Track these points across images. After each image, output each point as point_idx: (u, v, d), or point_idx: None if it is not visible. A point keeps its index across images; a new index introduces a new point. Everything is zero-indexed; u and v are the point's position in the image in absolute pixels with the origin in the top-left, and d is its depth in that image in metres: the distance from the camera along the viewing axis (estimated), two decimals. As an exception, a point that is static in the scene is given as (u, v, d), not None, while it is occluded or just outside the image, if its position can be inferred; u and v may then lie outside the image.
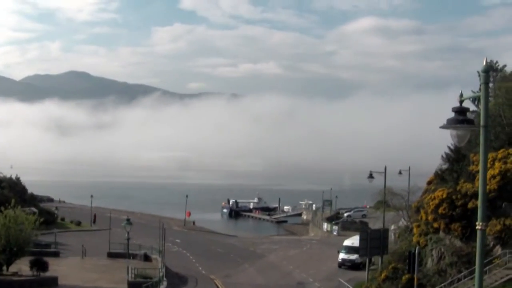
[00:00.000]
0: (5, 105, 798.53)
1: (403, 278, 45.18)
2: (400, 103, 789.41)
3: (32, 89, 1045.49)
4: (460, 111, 12.30)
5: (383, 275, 47.96)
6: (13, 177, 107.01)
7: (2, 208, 45.36)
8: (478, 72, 11.24)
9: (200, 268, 64.59)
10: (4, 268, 44.31)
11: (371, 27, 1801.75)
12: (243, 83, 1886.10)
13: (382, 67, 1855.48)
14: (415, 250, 39.01)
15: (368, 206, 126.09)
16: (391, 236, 60.72)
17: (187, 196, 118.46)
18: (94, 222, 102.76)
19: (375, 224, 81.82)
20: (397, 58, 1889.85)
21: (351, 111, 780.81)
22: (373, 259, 56.07)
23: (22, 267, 45.07)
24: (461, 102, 12.42)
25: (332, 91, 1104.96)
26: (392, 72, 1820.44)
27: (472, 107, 12.69)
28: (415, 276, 38.84)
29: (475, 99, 11.91)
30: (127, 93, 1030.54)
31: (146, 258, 60.41)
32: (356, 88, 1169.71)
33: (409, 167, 63.25)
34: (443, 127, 12.39)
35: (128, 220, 45.95)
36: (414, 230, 49.20)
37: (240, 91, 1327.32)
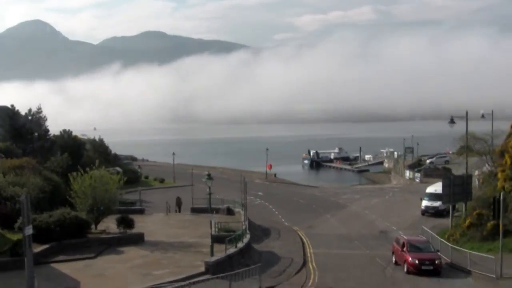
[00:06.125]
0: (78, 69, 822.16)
1: (488, 224, 44.40)
2: (487, 43, 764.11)
3: (107, 52, 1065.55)
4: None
5: (467, 221, 47.25)
6: (97, 138, 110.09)
7: (88, 169, 46.60)
8: None
9: (282, 219, 65.10)
10: (93, 226, 45.77)
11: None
12: (331, 30, 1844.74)
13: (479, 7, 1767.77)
14: (500, 196, 38.03)
15: (450, 152, 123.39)
16: (475, 182, 59.39)
17: (267, 149, 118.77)
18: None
19: (458, 170, 79.97)
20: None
21: (441, 53, 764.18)
22: (457, 206, 55.21)
23: (110, 225, 46.46)
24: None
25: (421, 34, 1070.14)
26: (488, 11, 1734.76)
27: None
28: (500, 222, 37.95)
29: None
30: (206, 49, 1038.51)
31: (229, 212, 61.03)
32: (447, 29, 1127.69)
33: (492, 111, 61.40)
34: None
35: (209, 175, 46.45)
36: (499, 175, 47.95)
37: (327, 38, 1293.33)
